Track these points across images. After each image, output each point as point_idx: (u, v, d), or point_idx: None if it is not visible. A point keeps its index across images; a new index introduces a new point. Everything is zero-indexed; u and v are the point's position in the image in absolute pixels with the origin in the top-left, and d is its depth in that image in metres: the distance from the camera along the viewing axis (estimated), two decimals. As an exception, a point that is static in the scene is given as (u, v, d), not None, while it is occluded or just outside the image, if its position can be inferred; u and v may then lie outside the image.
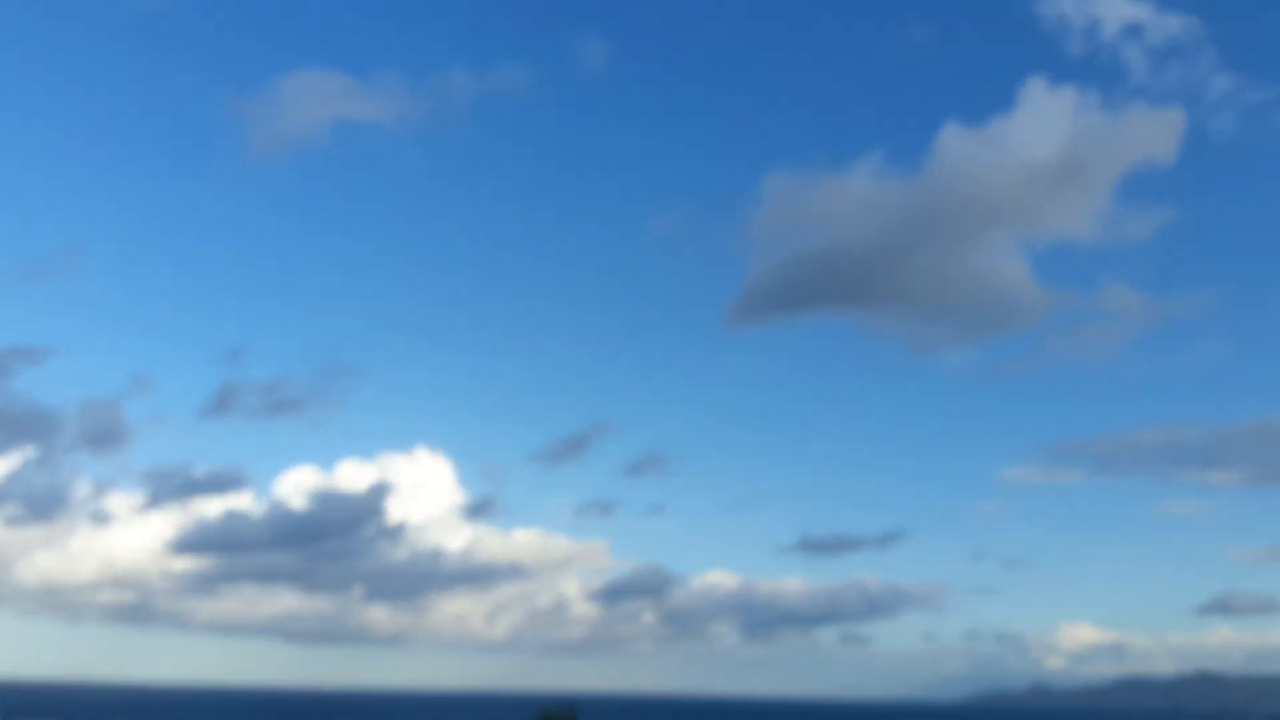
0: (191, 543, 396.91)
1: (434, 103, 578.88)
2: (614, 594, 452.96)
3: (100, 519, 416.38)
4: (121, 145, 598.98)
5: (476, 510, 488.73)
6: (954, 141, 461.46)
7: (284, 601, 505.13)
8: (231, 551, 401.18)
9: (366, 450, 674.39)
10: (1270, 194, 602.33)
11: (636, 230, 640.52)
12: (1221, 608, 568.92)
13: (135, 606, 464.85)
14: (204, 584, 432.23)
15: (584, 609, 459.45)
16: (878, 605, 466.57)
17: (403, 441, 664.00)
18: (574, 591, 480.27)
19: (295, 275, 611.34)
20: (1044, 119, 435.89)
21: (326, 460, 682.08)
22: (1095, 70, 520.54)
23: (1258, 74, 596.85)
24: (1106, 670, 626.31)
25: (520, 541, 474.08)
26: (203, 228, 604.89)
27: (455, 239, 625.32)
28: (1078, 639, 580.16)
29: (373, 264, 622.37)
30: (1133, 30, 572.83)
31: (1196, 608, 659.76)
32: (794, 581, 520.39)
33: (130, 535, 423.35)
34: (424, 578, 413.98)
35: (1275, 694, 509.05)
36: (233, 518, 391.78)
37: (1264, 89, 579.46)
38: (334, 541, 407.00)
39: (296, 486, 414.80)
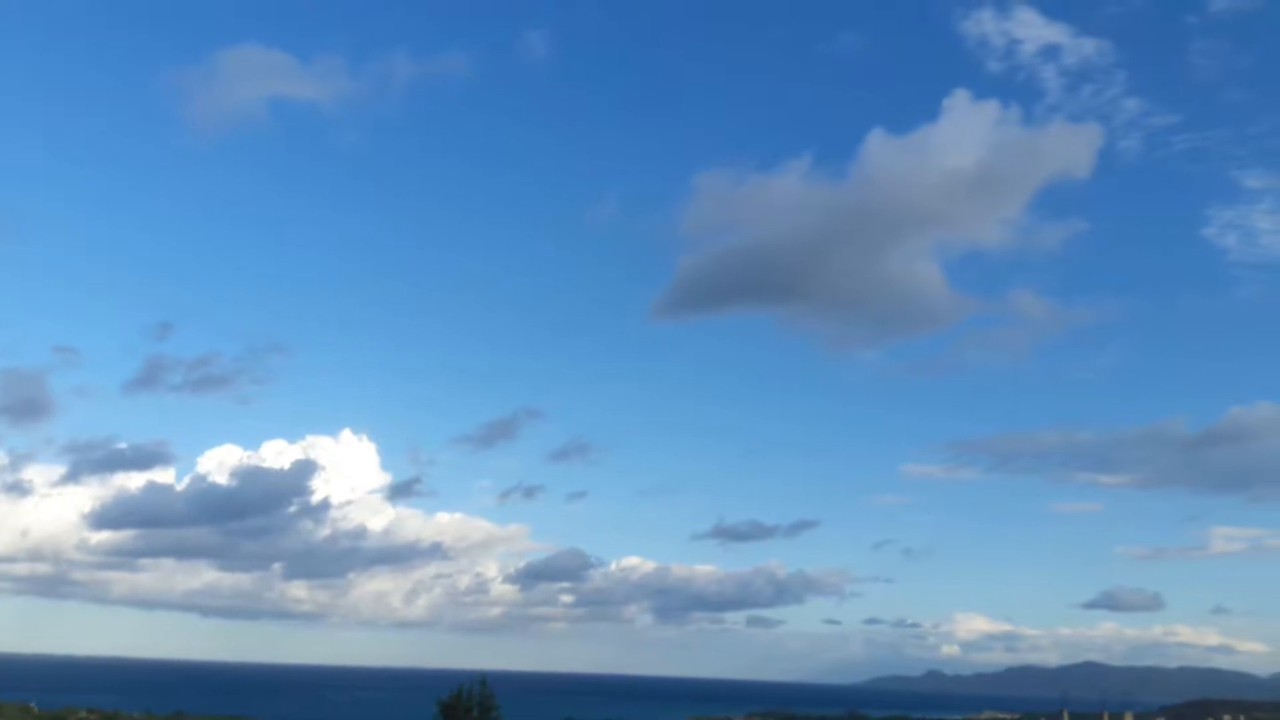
0: (111, 517, 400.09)
1: (373, 86, 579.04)
2: (533, 576, 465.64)
3: (18, 491, 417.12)
4: (52, 112, 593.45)
5: (399, 492, 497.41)
6: (879, 148, 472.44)
7: (203, 577, 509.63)
8: (152, 526, 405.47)
9: (292, 431, 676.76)
10: (1171, 213, 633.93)
11: (570, 221, 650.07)
12: (1107, 603, 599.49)
13: (51, 579, 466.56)
14: (122, 558, 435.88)
15: (503, 590, 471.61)
16: (785, 591, 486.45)
17: (328, 423, 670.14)
18: (493, 573, 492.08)
19: (227, 252, 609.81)
20: (966, 130, 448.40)
21: (251, 439, 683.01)
22: (1015, 87, 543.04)
23: (1164, 99, 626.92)
24: (998, 659, 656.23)
25: (442, 523, 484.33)
26: (135, 199, 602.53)
27: (389, 223, 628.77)
28: (972, 628, 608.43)
29: (305, 244, 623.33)
30: (1050, 51, 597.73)
31: (1084, 602, 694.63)
32: (707, 567, 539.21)
33: (49, 508, 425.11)
34: (345, 557, 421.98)
35: (1154, 684, 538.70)
36: (154, 493, 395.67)
37: (1169, 113, 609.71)
38: (256, 519, 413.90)
39: (220, 464, 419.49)
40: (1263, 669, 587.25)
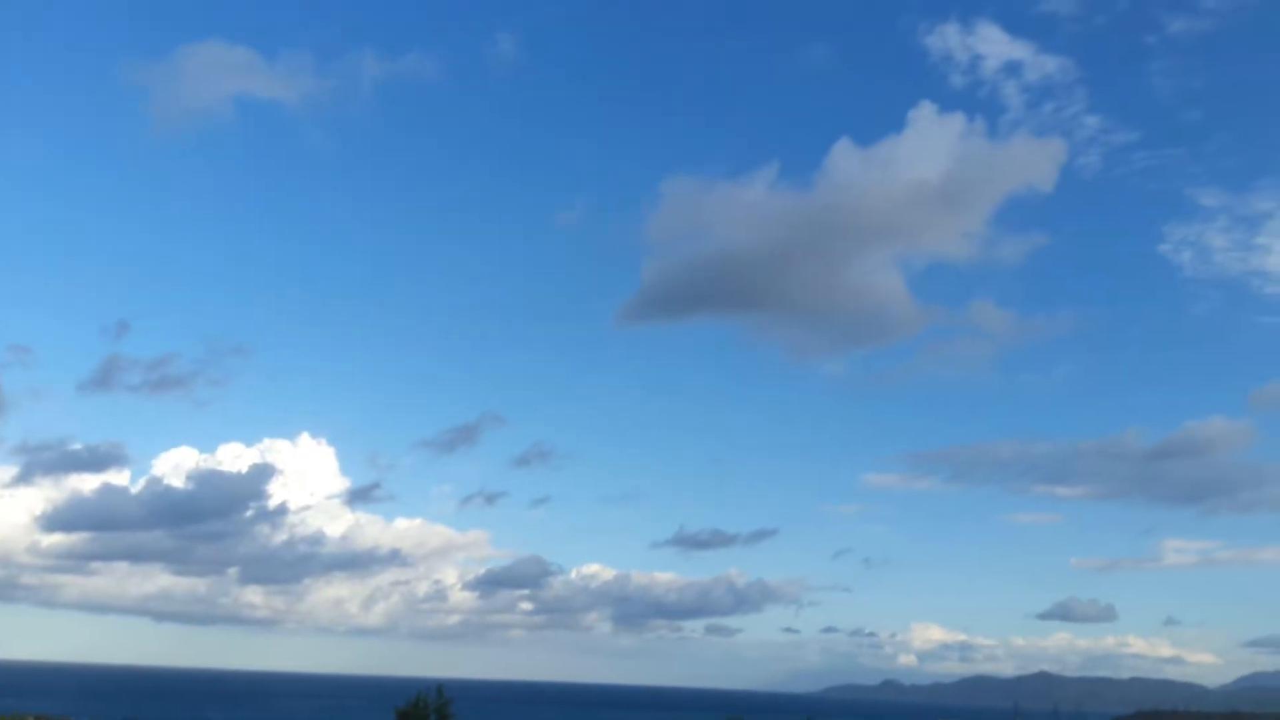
0: (64, 519, 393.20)
1: (340, 85, 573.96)
2: (492, 583, 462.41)
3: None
4: (11, 106, 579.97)
5: (358, 497, 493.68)
6: (845, 158, 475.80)
7: (158, 581, 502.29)
8: (105, 529, 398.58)
9: (249, 434, 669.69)
10: (1129, 229, 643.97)
11: (537, 225, 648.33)
12: (1062, 614, 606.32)
13: (0, 582, 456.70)
14: (75, 561, 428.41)
15: (462, 597, 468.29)
16: (744, 599, 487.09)
17: (287, 426, 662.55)
18: (452, 580, 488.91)
19: (188, 251, 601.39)
20: (931, 143, 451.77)
21: (208, 442, 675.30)
22: (978, 102, 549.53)
23: (1123, 117, 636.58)
24: (954, 669, 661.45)
25: (401, 529, 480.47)
26: (95, 195, 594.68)
27: (353, 224, 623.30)
28: (928, 638, 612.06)
29: (267, 244, 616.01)
30: (1012, 67, 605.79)
31: (1039, 613, 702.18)
32: (667, 575, 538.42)
33: None
34: (302, 562, 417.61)
35: (1106, 695, 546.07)
36: (108, 495, 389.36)
37: (1128, 131, 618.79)
38: (211, 523, 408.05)
39: (176, 466, 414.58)
40: (1212, 680, 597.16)
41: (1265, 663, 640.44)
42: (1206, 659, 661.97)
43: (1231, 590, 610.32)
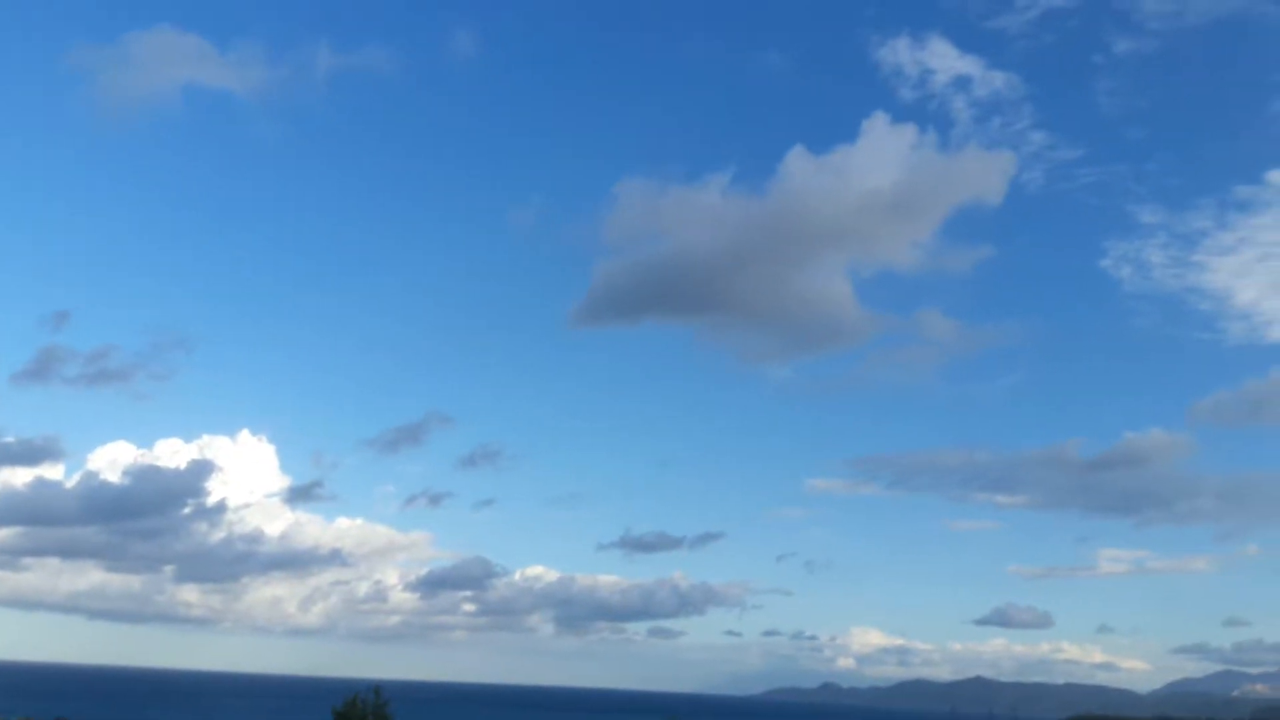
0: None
1: (292, 76, 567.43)
2: (434, 584, 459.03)
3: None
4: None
5: (299, 495, 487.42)
6: (799, 165, 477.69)
7: (90, 578, 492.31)
8: (38, 524, 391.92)
9: (188, 429, 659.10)
10: (1071, 243, 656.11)
11: (490, 224, 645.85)
12: (999, 620, 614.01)
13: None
14: (5, 556, 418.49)
15: (403, 598, 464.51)
16: (688, 602, 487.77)
17: (227, 422, 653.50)
18: (394, 580, 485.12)
19: (132, 241, 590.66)
20: (883, 152, 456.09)
21: (146, 437, 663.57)
22: (927, 115, 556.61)
23: (1068, 134, 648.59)
24: (891, 672, 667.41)
25: (342, 529, 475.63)
26: (36, 181, 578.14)
27: (302, 217, 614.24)
28: (867, 642, 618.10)
29: (213, 236, 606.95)
30: (961, 82, 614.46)
31: (976, 619, 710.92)
32: (611, 577, 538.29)
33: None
34: (240, 561, 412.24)
35: (1040, 700, 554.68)
36: (42, 489, 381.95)
37: (1073, 148, 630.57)
38: (148, 520, 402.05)
39: (112, 461, 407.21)
40: (1143, 686, 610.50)
41: (1193, 669, 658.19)
42: (1137, 665, 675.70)
43: (1163, 599, 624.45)
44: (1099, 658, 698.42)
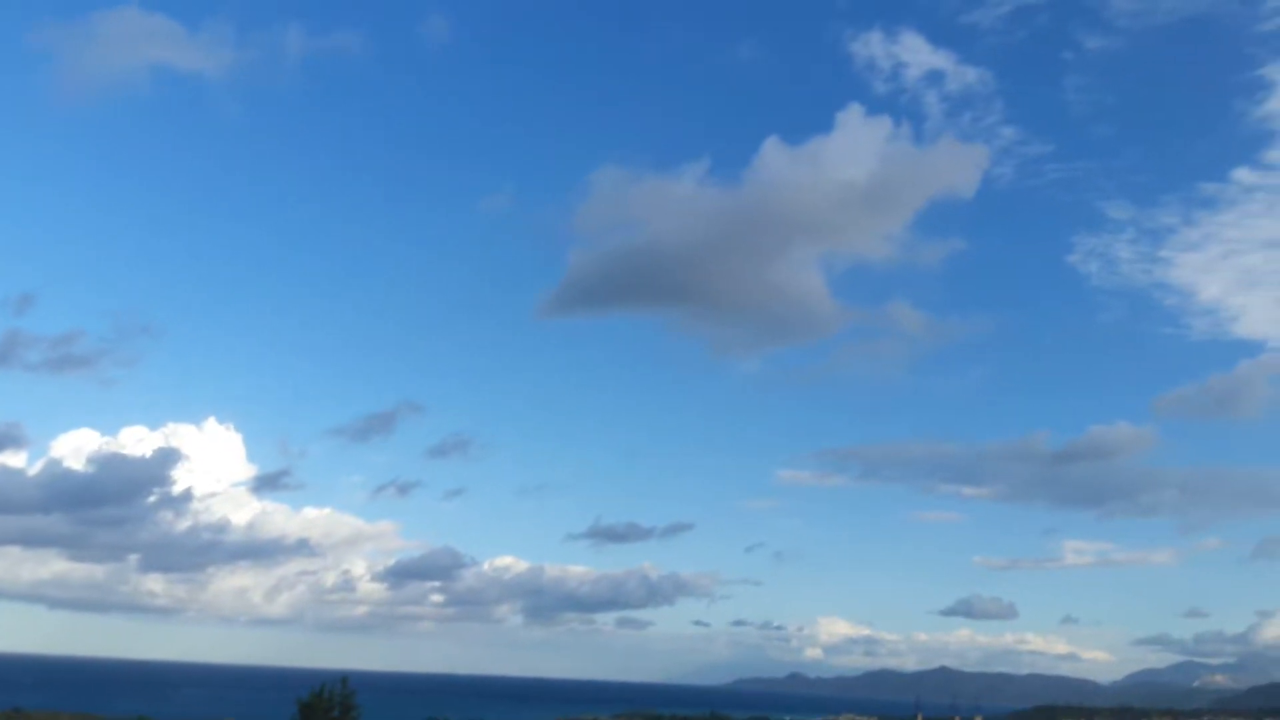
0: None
1: (263, 59, 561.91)
2: (402, 574, 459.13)
3: None
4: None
5: (265, 484, 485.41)
6: (774, 156, 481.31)
7: (52, 567, 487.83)
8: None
9: (154, 417, 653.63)
10: (1040, 237, 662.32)
11: (463, 210, 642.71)
12: (964, 611, 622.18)
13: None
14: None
15: (370, 588, 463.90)
16: (657, 592, 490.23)
17: (193, 410, 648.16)
18: (361, 571, 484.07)
19: (98, 224, 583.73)
20: (858, 144, 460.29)
21: (111, 424, 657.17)
22: (899, 109, 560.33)
23: (1038, 129, 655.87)
24: (858, 662, 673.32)
25: (309, 518, 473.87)
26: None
27: (271, 202, 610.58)
28: (834, 632, 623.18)
29: (180, 220, 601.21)
30: (934, 76, 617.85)
31: (942, 609, 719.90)
32: (580, 568, 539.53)
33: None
34: (205, 550, 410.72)
35: (1004, 690, 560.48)
36: (3, 476, 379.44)
37: (1042, 143, 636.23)
38: (112, 508, 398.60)
39: (76, 449, 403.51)
40: (1104, 677, 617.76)
41: (1154, 660, 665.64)
42: (1100, 656, 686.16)
43: (1126, 590, 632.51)
44: (1062, 649, 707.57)
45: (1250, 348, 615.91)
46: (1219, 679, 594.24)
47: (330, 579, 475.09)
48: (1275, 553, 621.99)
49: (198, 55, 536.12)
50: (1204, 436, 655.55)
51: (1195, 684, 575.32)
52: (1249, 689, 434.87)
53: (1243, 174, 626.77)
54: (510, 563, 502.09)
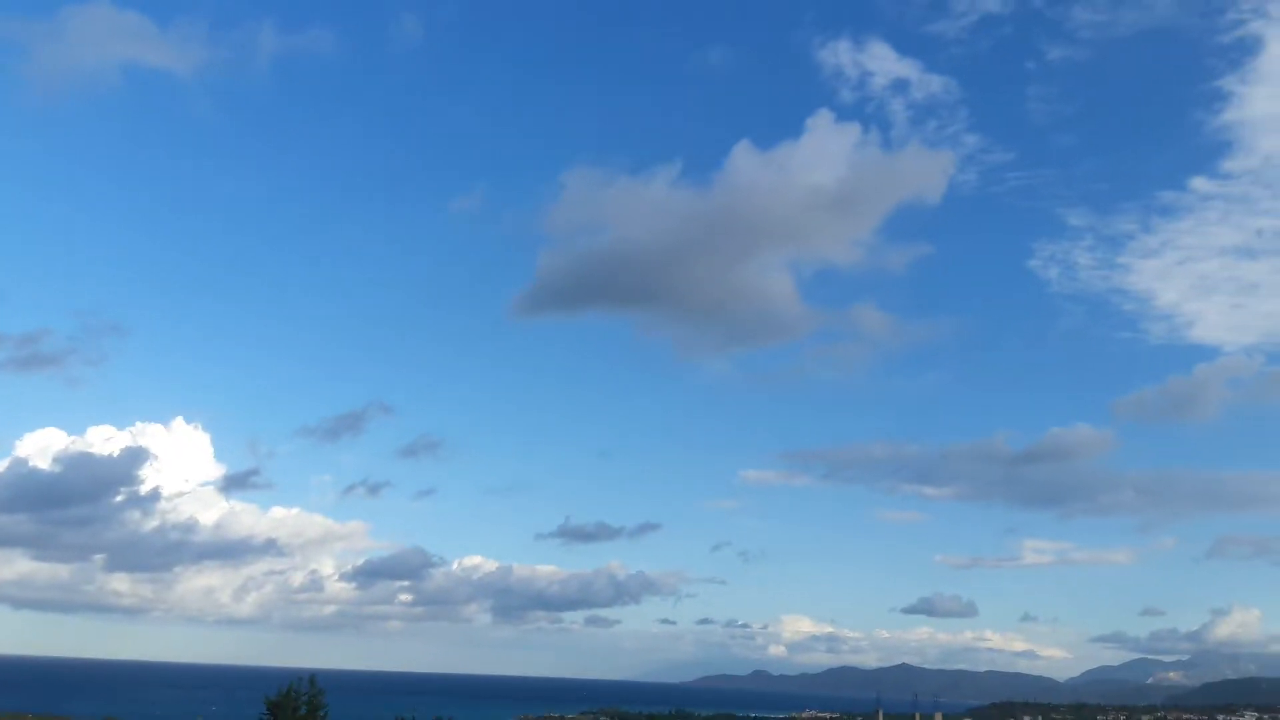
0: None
1: (234, 57, 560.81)
2: (371, 574, 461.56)
3: None
4: None
5: (234, 484, 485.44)
6: (745, 160, 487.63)
7: (16, 567, 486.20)
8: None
9: (121, 416, 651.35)
10: (1002, 244, 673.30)
11: (435, 211, 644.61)
12: (925, 608, 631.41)
13: None
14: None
15: (339, 588, 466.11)
16: (624, 591, 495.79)
17: (161, 409, 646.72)
18: (329, 570, 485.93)
19: (66, 222, 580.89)
20: (827, 150, 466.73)
21: (77, 423, 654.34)
22: (866, 116, 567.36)
23: (1000, 138, 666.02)
24: (820, 659, 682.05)
25: (278, 518, 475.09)
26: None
27: (242, 200, 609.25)
28: (798, 630, 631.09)
29: (150, 218, 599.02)
30: (900, 85, 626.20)
31: (903, 607, 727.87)
32: (549, 567, 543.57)
33: None
34: (172, 550, 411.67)
35: (963, 687, 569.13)
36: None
37: (1005, 151, 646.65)
38: (78, 508, 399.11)
39: (42, 448, 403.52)
40: (1061, 674, 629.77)
41: (1109, 657, 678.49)
42: (1057, 653, 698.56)
43: (1083, 589, 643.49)
44: (1020, 646, 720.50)
45: (1206, 352, 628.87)
46: (1173, 676, 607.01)
47: (299, 579, 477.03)
48: (1229, 553, 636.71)
49: (169, 52, 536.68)
50: (1161, 439, 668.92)
51: (1149, 680, 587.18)
52: (1202, 685, 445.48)
53: (1200, 183, 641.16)
54: (479, 562, 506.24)
